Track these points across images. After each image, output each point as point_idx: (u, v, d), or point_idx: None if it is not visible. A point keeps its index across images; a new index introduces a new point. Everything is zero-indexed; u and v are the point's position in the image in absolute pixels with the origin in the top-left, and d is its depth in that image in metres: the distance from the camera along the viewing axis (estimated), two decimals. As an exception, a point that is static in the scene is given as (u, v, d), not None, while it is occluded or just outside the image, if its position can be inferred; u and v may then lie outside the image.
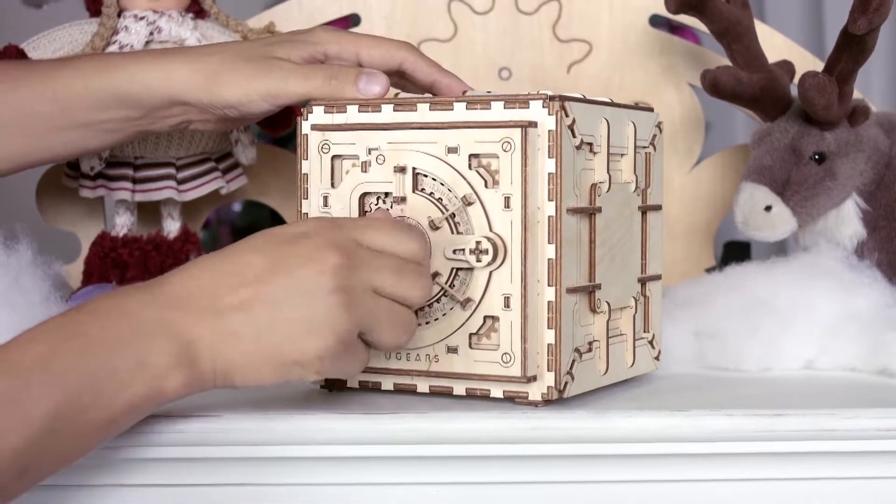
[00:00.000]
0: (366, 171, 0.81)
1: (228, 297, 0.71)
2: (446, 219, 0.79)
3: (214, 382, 0.72)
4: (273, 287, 0.71)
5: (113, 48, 1.05)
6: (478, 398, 0.80)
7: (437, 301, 0.80)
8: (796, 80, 1.02)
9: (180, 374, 0.70)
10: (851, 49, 0.97)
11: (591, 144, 0.81)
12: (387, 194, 0.81)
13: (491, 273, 0.78)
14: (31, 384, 0.65)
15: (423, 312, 0.80)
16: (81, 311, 0.70)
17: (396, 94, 0.88)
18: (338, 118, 0.83)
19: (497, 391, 0.79)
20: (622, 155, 0.85)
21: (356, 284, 0.72)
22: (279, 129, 1.05)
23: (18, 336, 0.68)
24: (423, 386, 0.81)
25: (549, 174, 0.77)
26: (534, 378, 0.78)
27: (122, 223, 1.11)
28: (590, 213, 0.80)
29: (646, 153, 0.87)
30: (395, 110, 0.81)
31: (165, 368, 0.69)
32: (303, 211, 0.83)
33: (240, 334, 0.71)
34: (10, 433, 0.64)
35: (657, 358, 0.89)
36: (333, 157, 0.82)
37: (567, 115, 0.78)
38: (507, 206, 0.77)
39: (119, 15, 1.07)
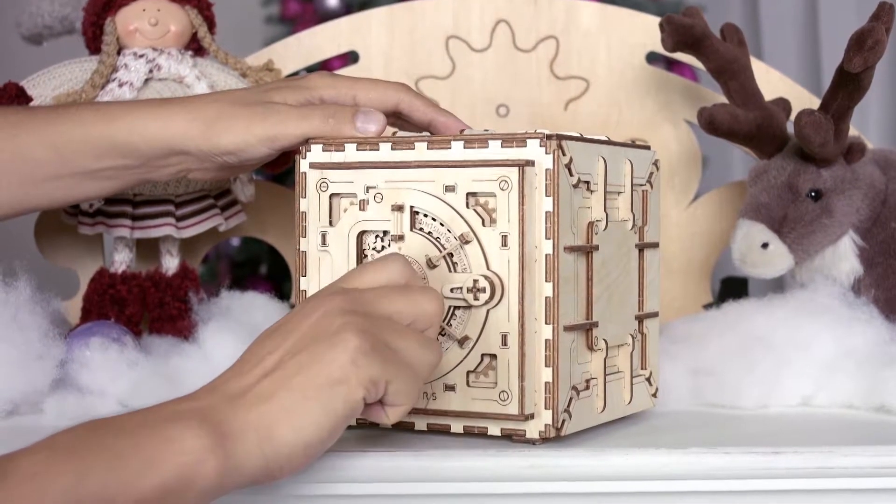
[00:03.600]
0: (364, 210, 0.81)
1: (252, 375, 0.69)
2: (444, 257, 0.79)
3: (261, 451, 0.67)
4: (296, 343, 0.70)
5: (112, 85, 1.05)
6: (475, 436, 0.80)
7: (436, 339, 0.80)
8: (793, 117, 1.02)
9: (215, 456, 0.65)
10: (847, 87, 0.98)
11: (588, 183, 0.81)
12: (385, 233, 0.81)
13: (488, 311, 0.78)
14: (54, 462, 0.62)
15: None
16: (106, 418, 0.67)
17: (394, 133, 0.88)
18: (336, 156, 0.83)
19: (495, 429, 0.79)
20: (619, 193, 0.85)
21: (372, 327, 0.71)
22: (278, 166, 1.05)
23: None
24: (420, 423, 0.81)
25: (547, 213, 0.77)
26: (531, 416, 0.78)
27: (121, 260, 1.11)
28: (587, 251, 0.81)
29: (642, 191, 0.87)
30: (393, 149, 0.81)
31: (199, 452, 0.65)
32: (301, 249, 0.83)
33: (271, 394, 0.68)
34: None
35: (655, 395, 0.89)
36: (332, 196, 0.83)
37: (564, 154, 0.78)
38: (504, 244, 0.78)
39: (119, 52, 1.07)
